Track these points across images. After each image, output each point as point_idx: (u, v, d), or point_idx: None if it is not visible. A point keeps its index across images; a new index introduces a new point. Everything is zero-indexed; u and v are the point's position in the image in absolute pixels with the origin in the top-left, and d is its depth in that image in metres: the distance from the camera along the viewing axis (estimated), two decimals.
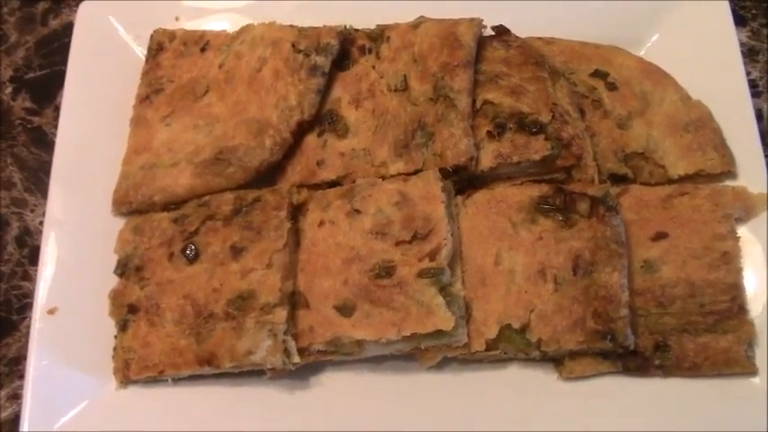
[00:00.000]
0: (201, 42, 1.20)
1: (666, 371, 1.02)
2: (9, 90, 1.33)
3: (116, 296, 1.07)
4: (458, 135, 1.06)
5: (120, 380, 1.05)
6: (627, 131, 1.14)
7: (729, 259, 1.04)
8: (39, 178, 1.26)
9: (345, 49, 1.16)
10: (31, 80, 1.34)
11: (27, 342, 1.06)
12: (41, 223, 1.14)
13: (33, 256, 1.17)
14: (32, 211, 1.25)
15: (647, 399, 1.02)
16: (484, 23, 1.16)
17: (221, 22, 1.25)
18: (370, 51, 1.16)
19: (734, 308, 1.02)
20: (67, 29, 1.27)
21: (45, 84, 1.33)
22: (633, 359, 1.02)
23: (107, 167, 1.16)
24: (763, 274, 1.05)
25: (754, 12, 1.32)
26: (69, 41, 1.23)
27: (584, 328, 0.99)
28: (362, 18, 1.19)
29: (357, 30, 1.18)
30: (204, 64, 1.19)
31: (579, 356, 1.02)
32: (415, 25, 1.16)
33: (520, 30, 1.18)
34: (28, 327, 1.08)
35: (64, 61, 1.22)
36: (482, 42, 1.15)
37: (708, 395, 1.01)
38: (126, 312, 1.06)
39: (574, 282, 1.01)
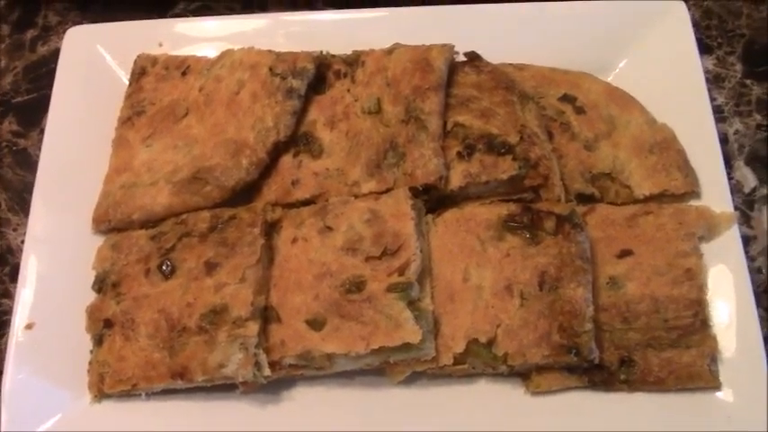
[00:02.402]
0: (183, 67, 1.24)
1: (632, 385, 1.03)
2: None
3: (93, 311, 1.09)
4: (428, 155, 1.09)
5: (94, 394, 1.06)
6: (594, 153, 1.17)
7: (692, 276, 1.06)
8: (22, 198, 1.29)
9: (321, 73, 1.20)
10: (18, 104, 1.37)
11: (4, 358, 1.08)
12: (23, 242, 1.16)
13: (14, 274, 1.19)
14: (15, 230, 1.27)
15: (613, 413, 1.03)
16: (456, 50, 1.19)
17: (203, 48, 1.29)
18: (345, 75, 1.20)
19: (696, 323, 1.04)
20: (55, 55, 1.31)
21: (32, 108, 1.36)
22: (599, 374, 1.04)
23: (89, 187, 1.19)
24: (726, 291, 1.07)
25: (719, 41, 1.36)
26: (56, 67, 1.27)
27: (549, 343, 1.01)
28: (339, 44, 1.23)
29: (333, 55, 1.22)
30: (185, 87, 1.23)
31: (546, 371, 1.04)
32: (390, 51, 1.20)
33: (491, 56, 1.21)
34: (6, 343, 1.09)
35: (51, 86, 1.26)
36: (454, 67, 1.19)
37: (672, 409, 1.03)
38: (102, 327, 1.08)
39: (540, 297, 1.03)
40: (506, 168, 1.10)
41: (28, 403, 1.06)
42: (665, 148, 1.16)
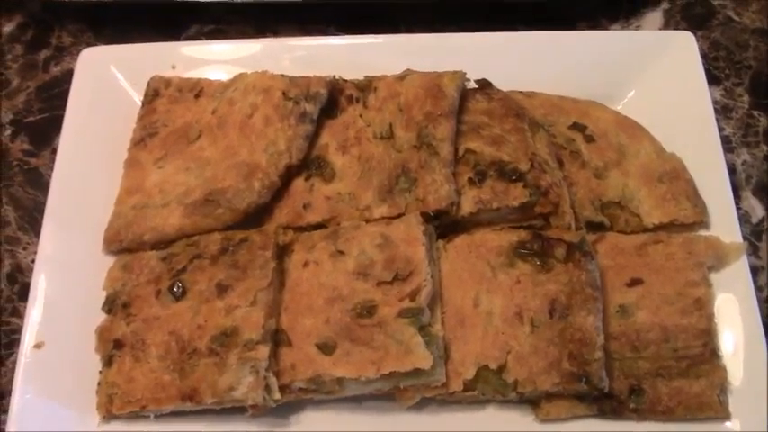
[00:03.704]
0: (196, 89, 1.25)
1: (641, 414, 1.03)
2: (8, 133, 1.37)
3: (102, 332, 1.09)
4: (440, 181, 1.10)
5: (103, 414, 1.06)
6: (604, 181, 1.18)
7: (701, 305, 1.07)
8: (33, 218, 1.29)
9: (334, 98, 1.21)
10: (30, 123, 1.38)
11: (13, 377, 1.07)
12: (33, 261, 1.16)
13: (24, 293, 1.19)
14: (25, 249, 1.28)
15: None
16: (468, 77, 1.21)
17: (215, 71, 1.30)
18: (357, 101, 1.21)
19: (706, 353, 1.04)
20: (68, 75, 1.32)
21: (44, 127, 1.37)
22: (608, 402, 1.04)
23: (100, 207, 1.19)
24: (735, 321, 1.08)
25: (727, 72, 1.38)
26: (69, 88, 1.28)
27: (559, 370, 1.01)
28: (351, 69, 1.24)
29: (346, 80, 1.23)
30: (198, 110, 1.24)
31: (555, 398, 1.04)
32: (402, 77, 1.21)
33: (501, 83, 1.22)
34: (15, 362, 1.09)
35: (63, 106, 1.27)
36: (466, 95, 1.20)
37: None
38: (111, 348, 1.08)
39: (550, 324, 1.03)
40: (517, 195, 1.10)
41: (36, 423, 1.05)
42: (675, 177, 1.17)
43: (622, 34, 1.29)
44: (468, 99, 1.20)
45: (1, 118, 1.38)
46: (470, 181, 1.13)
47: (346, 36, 1.38)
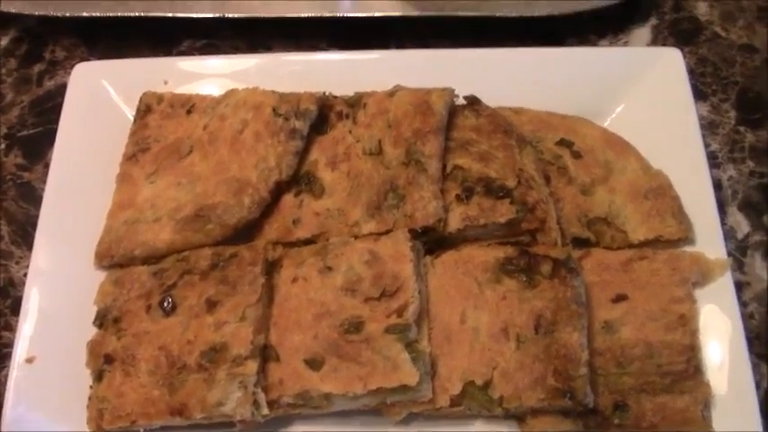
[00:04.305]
0: (188, 105, 1.26)
1: (625, 430, 1.04)
2: (2, 147, 1.38)
3: (93, 346, 1.10)
4: (427, 198, 1.11)
5: (93, 429, 1.07)
6: (590, 198, 1.19)
7: (686, 321, 1.08)
8: (26, 232, 1.30)
9: (324, 114, 1.22)
10: (23, 137, 1.40)
11: (4, 391, 1.08)
12: (26, 275, 1.17)
13: (15, 307, 1.20)
14: (17, 263, 1.29)
15: None
16: (457, 92, 1.22)
17: (208, 86, 1.31)
18: (347, 117, 1.22)
19: (690, 369, 1.05)
20: (61, 90, 1.33)
21: (37, 141, 1.38)
22: (593, 418, 1.04)
23: (92, 222, 1.20)
24: (719, 336, 1.09)
25: (714, 87, 1.39)
26: (62, 102, 1.29)
27: (544, 386, 1.02)
28: (341, 84, 1.25)
29: (336, 96, 1.24)
30: (189, 125, 1.25)
31: (541, 414, 1.05)
32: (391, 93, 1.22)
33: (489, 98, 1.24)
34: (6, 376, 1.10)
35: (56, 120, 1.28)
36: (454, 111, 1.21)
37: None
38: (102, 363, 1.08)
39: (535, 340, 1.04)
40: (504, 212, 1.11)
41: None
42: (660, 194, 1.18)
43: (609, 51, 1.30)
44: (456, 115, 1.22)
45: None
46: (458, 197, 1.14)
47: (338, 51, 1.39)
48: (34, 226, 1.21)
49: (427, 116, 1.17)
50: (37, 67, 1.47)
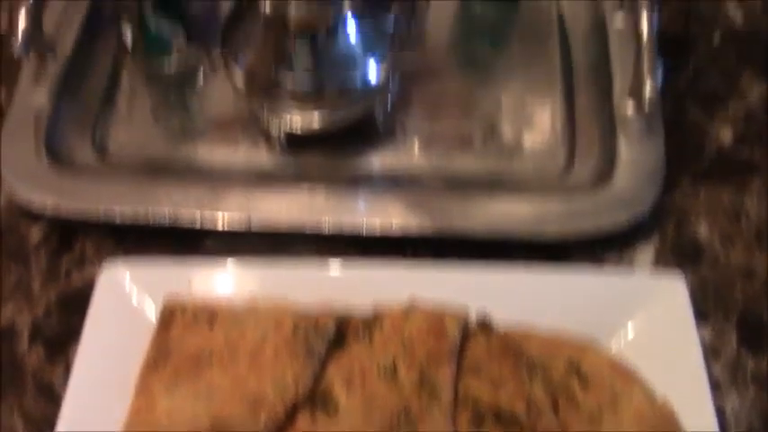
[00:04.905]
0: (210, 317, 1.31)
1: None
2: (25, 341, 1.42)
3: None
4: (439, 427, 1.15)
5: None
6: (597, 425, 1.22)
7: None
8: (41, 431, 1.32)
9: (341, 332, 1.27)
10: (47, 333, 1.43)
11: None
12: None
13: None
14: None
15: None
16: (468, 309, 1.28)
17: (230, 289, 1.37)
18: (364, 336, 1.28)
19: None
20: (88, 284, 1.38)
21: (60, 338, 1.42)
22: None
23: (110, 428, 1.23)
24: None
25: (715, 311, 1.44)
26: (88, 297, 1.34)
27: None
28: (359, 296, 1.32)
29: (353, 315, 1.30)
30: (211, 336, 1.29)
31: None
32: (407, 313, 1.28)
33: (499, 314, 1.30)
34: None
35: (81, 317, 1.33)
36: (466, 333, 1.27)
37: None
38: None
39: None
40: None
41: None
42: (666, 425, 1.21)
43: (613, 278, 1.37)
44: (468, 338, 1.27)
45: (20, 326, 1.44)
46: (469, 423, 1.17)
47: (356, 262, 1.44)
48: (51, 425, 1.23)
49: (440, 339, 1.23)
50: (65, 261, 1.52)
